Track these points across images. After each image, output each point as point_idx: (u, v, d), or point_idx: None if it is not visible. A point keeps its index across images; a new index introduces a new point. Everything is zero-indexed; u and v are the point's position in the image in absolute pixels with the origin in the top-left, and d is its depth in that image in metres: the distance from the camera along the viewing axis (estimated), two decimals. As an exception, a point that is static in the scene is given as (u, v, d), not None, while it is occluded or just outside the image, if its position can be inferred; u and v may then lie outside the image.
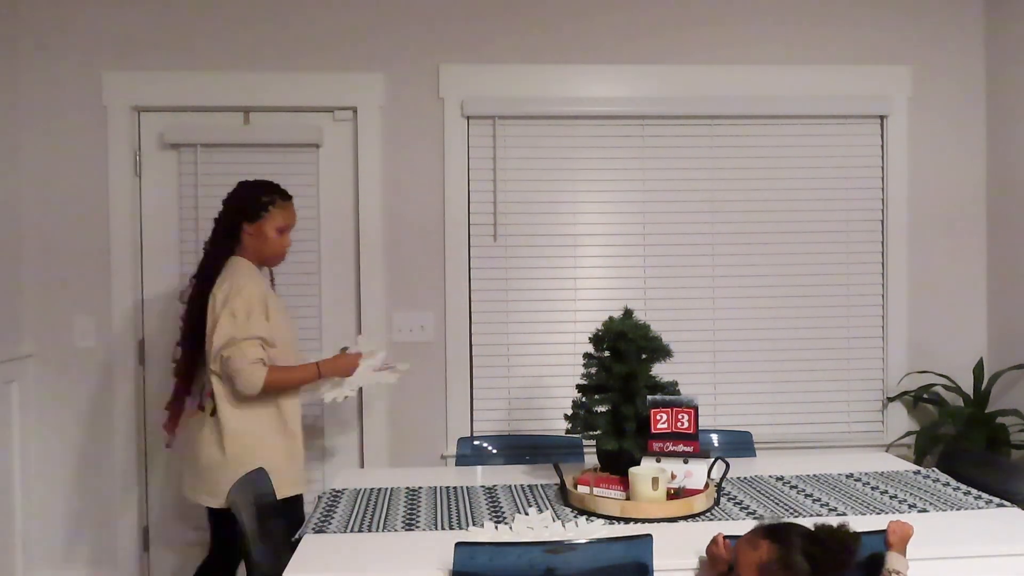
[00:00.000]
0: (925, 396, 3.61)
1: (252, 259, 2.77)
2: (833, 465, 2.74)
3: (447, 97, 3.55)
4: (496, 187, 3.58)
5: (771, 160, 3.66)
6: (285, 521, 2.57)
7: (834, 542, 1.63)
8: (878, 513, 2.19)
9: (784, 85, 3.62)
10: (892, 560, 1.76)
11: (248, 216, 2.73)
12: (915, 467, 2.73)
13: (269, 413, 2.72)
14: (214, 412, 2.69)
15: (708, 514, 2.22)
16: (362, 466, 3.55)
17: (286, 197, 2.80)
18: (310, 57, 3.52)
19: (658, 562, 1.83)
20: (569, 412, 2.47)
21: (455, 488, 2.51)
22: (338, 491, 2.50)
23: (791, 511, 2.22)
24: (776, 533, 1.68)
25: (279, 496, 2.58)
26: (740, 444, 3.01)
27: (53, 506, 3.47)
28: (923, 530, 1.90)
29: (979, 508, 2.25)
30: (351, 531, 2.12)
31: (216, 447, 2.68)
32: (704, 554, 1.84)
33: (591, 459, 2.64)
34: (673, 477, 2.29)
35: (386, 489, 2.51)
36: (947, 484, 2.50)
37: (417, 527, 2.14)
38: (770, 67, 3.62)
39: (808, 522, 1.72)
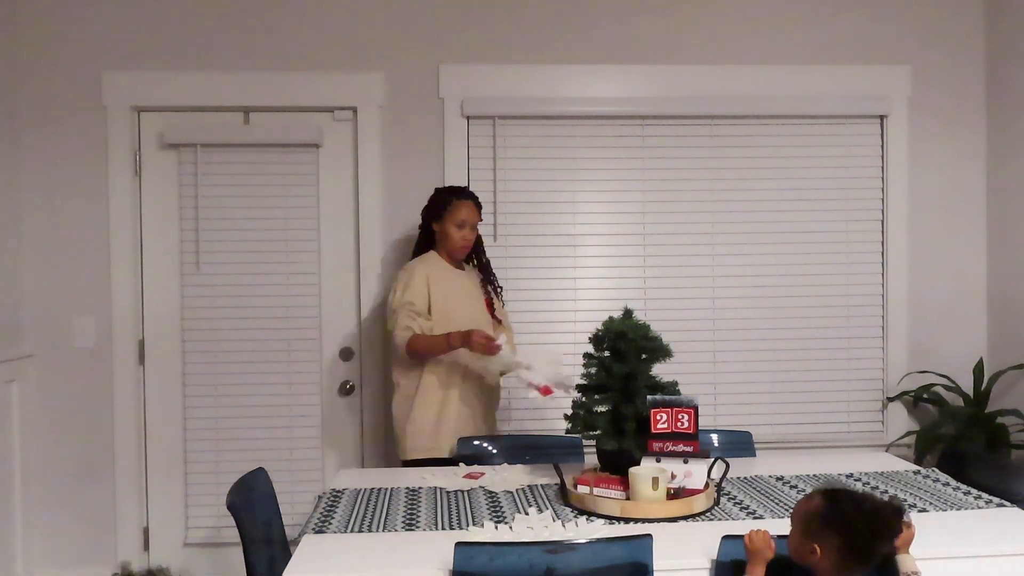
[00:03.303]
0: (925, 396, 3.61)
1: (443, 253, 3.11)
2: (833, 465, 2.74)
3: (447, 97, 3.55)
4: (496, 187, 3.58)
5: (771, 160, 3.66)
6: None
7: (876, 518, 1.65)
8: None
9: (784, 85, 3.62)
10: (906, 563, 1.76)
11: (434, 216, 3.10)
12: (915, 467, 2.72)
13: (411, 384, 3.03)
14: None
15: (708, 514, 2.22)
16: (362, 466, 3.55)
17: (462, 196, 3.10)
18: (310, 57, 3.52)
19: (658, 562, 1.82)
20: (569, 412, 2.47)
21: (455, 488, 2.51)
22: (338, 491, 2.50)
23: (791, 511, 2.21)
24: (830, 493, 1.71)
25: (400, 458, 3.04)
26: (740, 444, 3.01)
27: (53, 506, 3.47)
28: (923, 530, 1.90)
29: (979, 508, 2.25)
30: (351, 531, 2.12)
31: (397, 410, 3.07)
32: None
33: (591, 459, 2.64)
34: (673, 477, 2.29)
35: (386, 489, 2.51)
36: (947, 484, 2.50)
37: (417, 527, 2.14)
38: (770, 67, 3.62)
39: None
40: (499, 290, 3.29)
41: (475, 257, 3.25)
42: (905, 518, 1.71)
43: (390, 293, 3.04)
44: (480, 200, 3.15)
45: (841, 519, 1.65)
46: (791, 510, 1.81)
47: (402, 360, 3.03)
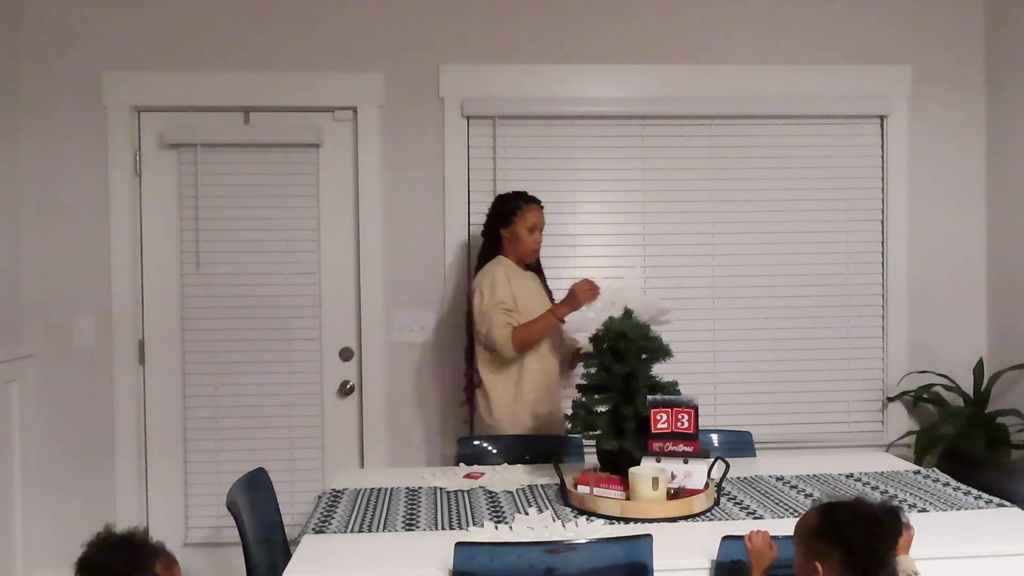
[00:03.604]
0: (925, 396, 3.61)
1: (512, 257, 3.13)
2: (833, 465, 2.74)
3: (447, 97, 3.55)
4: (496, 187, 3.57)
5: (771, 160, 3.66)
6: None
7: (873, 524, 1.63)
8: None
9: (784, 85, 3.62)
10: (905, 563, 1.76)
11: (503, 222, 3.11)
12: (915, 467, 2.73)
13: (511, 378, 3.03)
14: (480, 384, 3.08)
15: (708, 514, 2.22)
16: (362, 466, 3.55)
17: (531, 201, 3.13)
18: (310, 57, 3.52)
19: (658, 562, 1.83)
20: (569, 412, 2.47)
21: (455, 488, 2.51)
22: (338, 491, 2.50)
23: (791, 511, 2.22)
24: (824, 507, 1.69)
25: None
26: (740, 444, 3.01)
27: (53, 506, 3.47)
28: (923, 530, 1.90)
29: (979, 508, 2.25)
30: (351, 531, 2.12)
31: (487, 414, 3.06)
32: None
33: (591, 459, 2.64)
34: (673, 477, 2.29)
35: (386, 489, 2.51)
36: (947, 484, 2.50)
37: (417, 527, 2.14)
38: (770, 67, 3.62)
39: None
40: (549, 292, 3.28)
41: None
42: (904, 519, 1.70)
43: (476, 298, 3.01)
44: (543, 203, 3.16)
45: (838, 531, 1.62)
46: (794, 511, 1.80)
47: (500, 357, 3.00)
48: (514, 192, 3.19)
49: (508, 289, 3.01)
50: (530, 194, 3.17)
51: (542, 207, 3.15)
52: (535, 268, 3.24)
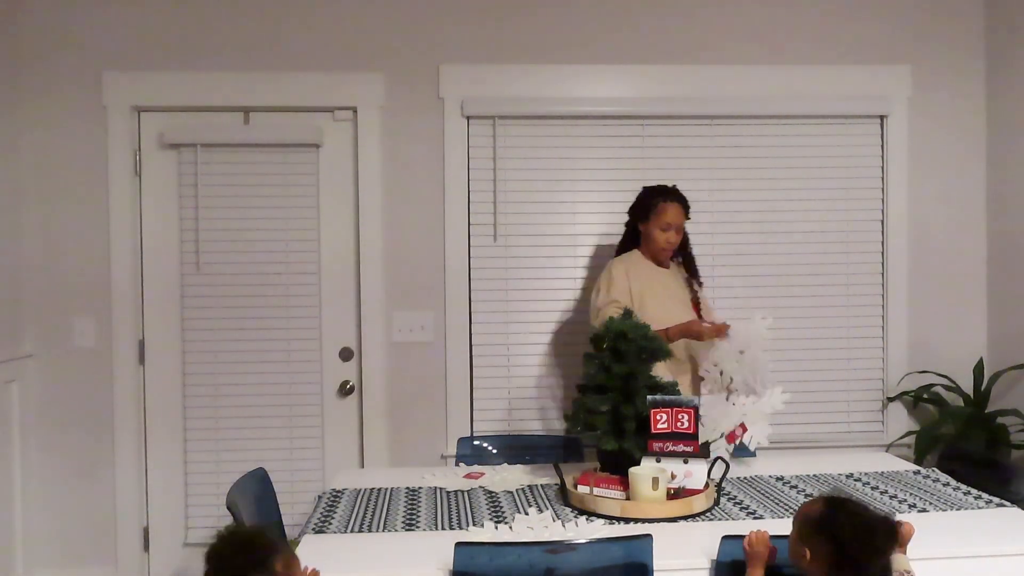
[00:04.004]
0: (925, 396, 3.61)
1: (647, 254, 3.05)
2: (833, 465, 2.74)
3: (447, 97, 3.55)
4: (496, 187, 3.58)
5: (771, 160, 3.66)
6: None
7: (869, 535, 1.64)
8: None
9: (784, 85, 3.62)
10: (899, 561, 1.76)
11: (640, 217, 3.04)
12: (915, 467, 2.73)
13: None
14: None
15: (708, 514, 2.22)
16: (362, 466, 3.55)
17: (669, 198, 3.01)
18: (310, 57, 3.52)
19: (658, 562, 1.83)
20: (569, 412, 2.47)
21: (455, 488, 2.51)
22: (338, 491, 2.50)
23: (791, 511, 2.22)
24: (831, 500, 1.70)
25: None
26: (740, 444, 3.00)
27: (53, 506, 3.47)
28: (923, 530, 1.90)
29: (979, 508, 2.26)
30: (351, 531, 2.12)
31: None
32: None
33: (591, 459, 2.64)
34: (673, 477, 2.29)
35: (386, 489, 2.51)
36: (947, 484, 2.50)
37: (417, 527, 2.14)
38: (770, 67, 3.62)
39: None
40: (700, 285, 3.17)
41: (681, 254, 3.15)
42: (898, 517, 1.71)
43: (593, 293, 3.01)
44: (688, 200, 3.06)
45: (834, 529, 1.64)
46: (794, 511, 1.81)
47: None
48: (658, 186, 3.09)
49: (626, 287, 2.95)
50: (675, 189, 3.06)
51: (685, 205, 3.04)
52: (686, 263, 3.13)
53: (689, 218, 3.10)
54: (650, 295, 2.95)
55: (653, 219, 3.01)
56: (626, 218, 3.18)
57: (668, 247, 3.04)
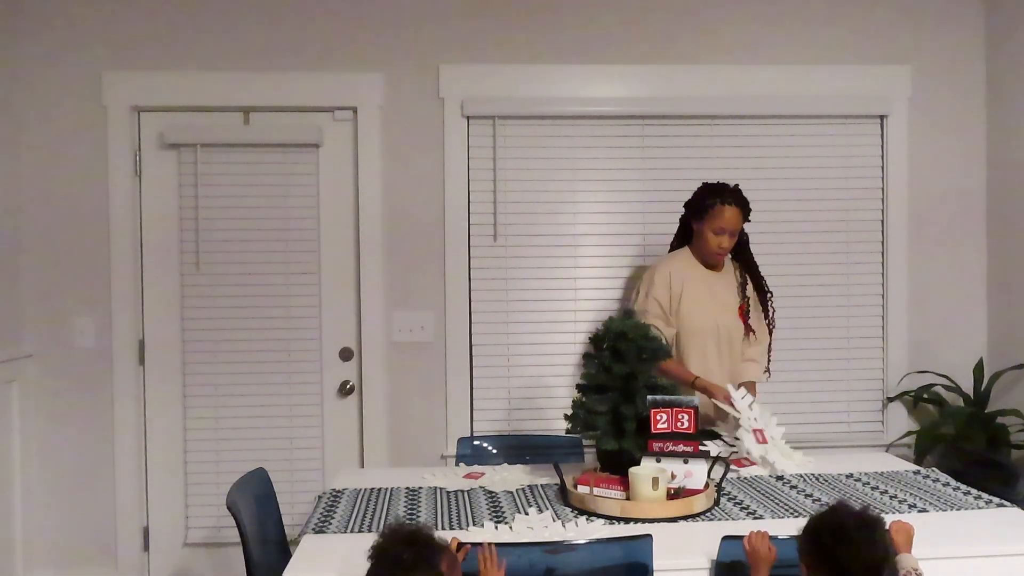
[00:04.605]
0: (925, 396, 3.61)
1: (697, 253, 2.97)
2: (833, 465, 2.74)
3: (447, 97, 3.55)
4: (496, 187, 3.58)
5: (771, 160, 3.66)
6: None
7: (859, 562, 1.63)
8: (878, 513, 2.19)
9: (784, 85, 3.62)
10: (906, 560, 1.76)
11: (696, 215, 2.95)
12: (915, 467, 2.73)
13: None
14: None
15: (708, 514, 2.22)
16: (362, 466, 3.55)
17: (727, 200, 2.89)
18: (310, 57, 3.52)
19: (658, 562, 1.83)
20: (569, 412, 2.47)
21: (455, 488, 2.51)
22: (338, 491, 2.50)
23: (791, 511, 2.22)
24: (833, 520, 1.69)
25: None
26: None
27: (53, 506, 3.47)
28: (923, 530, 1.90)
29: (979, 508, 2.25)
30: (351, 531, 2.12)
31: None
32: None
33: (591, 459, 2.64)
34: (673, 477, 2.29)
35: (386, 489, 2.51)
36: (947, 484, 2.50)
37: (417, 527, 2.14)
38: (770, 67, 3.62)
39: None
40: (769, 295, 3.05)
41: (738, 258, 3.06)
42: (899, 517, 1.71)
43: (634, 293, 2.99)
44: (749, 202, 2.94)
45: (825, 553, 1.63)
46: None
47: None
48: (717, 185, 2.98)
49: (667, 291, 2.89)
50: (735, 190, 2.95)
51: (745, 209, 2.93)
52: (746, 264, 3.04)
53: (749, 220, 2.98)
54: (689, 296, 2.89)
55: (707, 220, 2.91)
56: (681, 212, 3.09)
57: (720, 251, 2.93)
